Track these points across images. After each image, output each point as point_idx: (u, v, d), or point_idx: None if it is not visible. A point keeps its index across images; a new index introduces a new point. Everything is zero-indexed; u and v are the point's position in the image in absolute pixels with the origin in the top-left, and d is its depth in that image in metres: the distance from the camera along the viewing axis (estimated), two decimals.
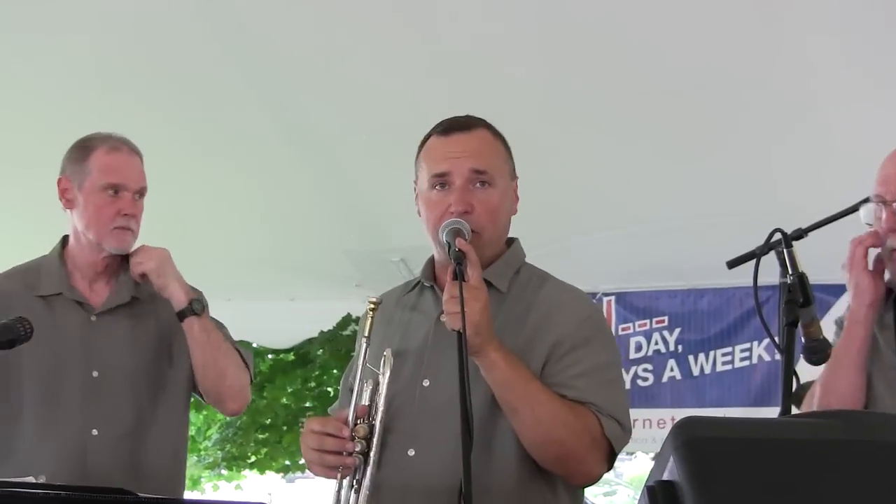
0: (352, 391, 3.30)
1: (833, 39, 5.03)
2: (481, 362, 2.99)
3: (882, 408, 3.27)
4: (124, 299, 4.06)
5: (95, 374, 3.95)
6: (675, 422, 1.69)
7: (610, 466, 3.16)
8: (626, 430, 3.12)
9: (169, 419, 4.10)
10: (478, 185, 3.17)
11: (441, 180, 3.18)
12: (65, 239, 4.14)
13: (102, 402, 3.94)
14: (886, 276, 3.37)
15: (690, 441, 1.53)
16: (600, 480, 3.36)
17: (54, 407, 3.92)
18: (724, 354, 7.76)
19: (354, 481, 3.09)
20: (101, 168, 3.98)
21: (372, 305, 3.21)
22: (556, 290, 3.29)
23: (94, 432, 3.91)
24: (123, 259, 4.09)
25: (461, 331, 2.81)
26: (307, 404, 11.09)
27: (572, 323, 3.17)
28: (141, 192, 4.05)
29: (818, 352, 2.96)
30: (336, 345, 9.46)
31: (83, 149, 4.04)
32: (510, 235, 3.38)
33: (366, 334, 3.20)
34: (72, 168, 4.03)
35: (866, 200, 3.36)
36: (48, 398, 3.92)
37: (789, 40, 5.09)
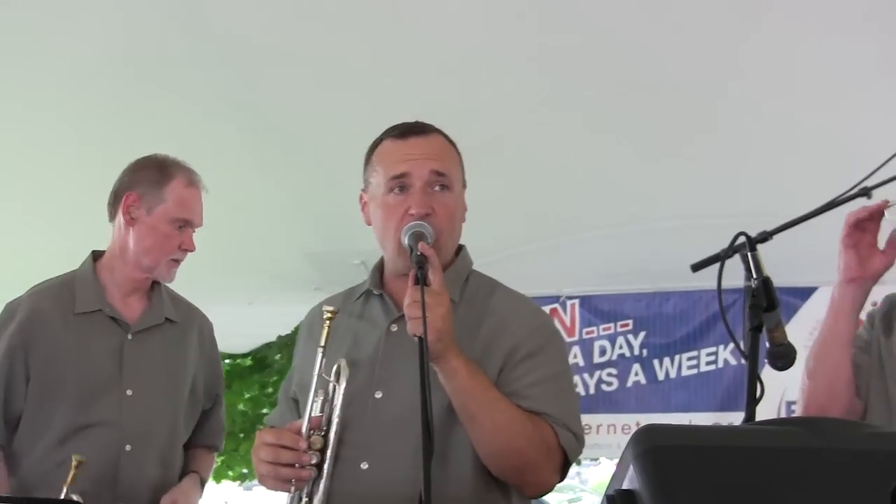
0: (294, 401, 3.33)
1: (803, 43, 5.06)
2: (442, 369, 2.98)
3: None
4: (158, 320, 4.21)
5: (130, 392, 4.08)
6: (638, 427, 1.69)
7: (563, 477, 3.17)
8: (580, 441, 3.14)
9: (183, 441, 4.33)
10: (437, 188, 3.16)
11: (400, 182, 3.15)
12: (94, 253, 4.24)
13: (137, 420, 4.08)
14: None
15: (650, 449, 1.54)
16: (565, 487, 3.37)
17: (89, 423, 4.03)
18: (689, 358, 7.78)
19: (305, 494, 3.07)
20: (178, 201, 4.10)
21: (329, 315, 3.17)
22: (507, 298, 3.30)
23: (128, 448, 4.04)
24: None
25: (423, 336, 2.81)
26: (265, 411, 11.05)
27: (525, 331, 3.18)
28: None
29: (783, 357, 2.94)
30: (294, 349, 9.44)
31: (162, 173, 4.13)
32: (479, 244, 3.40)
33: (322, 344, 3.15)
34: (146, 189, 4.10)
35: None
36: (83, 413, 4.03)
37: (760, 43, 5.12)
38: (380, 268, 3.35)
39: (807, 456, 1.59)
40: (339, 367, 3.15)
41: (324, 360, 3.15)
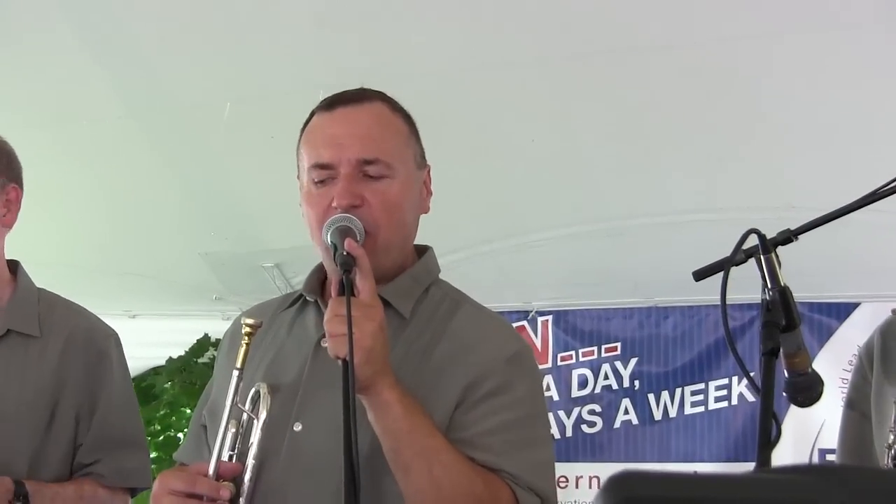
0: (204, 427, 3.35)
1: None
2: (370, 402, 2.97)
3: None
4: None
5: None
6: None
7: None
8: None
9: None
10: (369, 174, 3.17)
11: (322, 174, 3.18)
12: None
13: None
14: None
15: (626, 501, 1.55)
16: None
17: None
18: (694, 393, 7.69)
19: None
20: None
21: (248, 329, 3.18)
22: (474, 317, 3.30)
23: None
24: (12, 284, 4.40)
25: (347, 358, 2.81)
26: (152, 454, 10.99)
27: (492, 362, 3.16)
28: None
29: (804, 389, 2.88)
30: (189, 376, 9.34)
31: None
32: (422, 243, 3.39)
33: (238, 366, 3.16)
34: None
35: None
36: None
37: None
38: (319, 269, 3.36)
39: None
40: (257, 395, 3.17)
41: (240, 385, 3.16)
